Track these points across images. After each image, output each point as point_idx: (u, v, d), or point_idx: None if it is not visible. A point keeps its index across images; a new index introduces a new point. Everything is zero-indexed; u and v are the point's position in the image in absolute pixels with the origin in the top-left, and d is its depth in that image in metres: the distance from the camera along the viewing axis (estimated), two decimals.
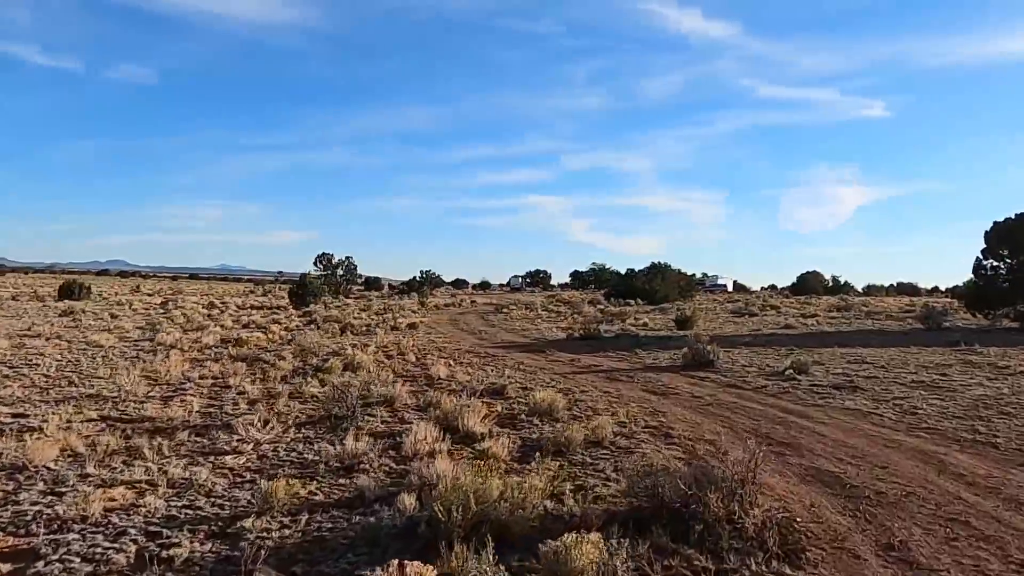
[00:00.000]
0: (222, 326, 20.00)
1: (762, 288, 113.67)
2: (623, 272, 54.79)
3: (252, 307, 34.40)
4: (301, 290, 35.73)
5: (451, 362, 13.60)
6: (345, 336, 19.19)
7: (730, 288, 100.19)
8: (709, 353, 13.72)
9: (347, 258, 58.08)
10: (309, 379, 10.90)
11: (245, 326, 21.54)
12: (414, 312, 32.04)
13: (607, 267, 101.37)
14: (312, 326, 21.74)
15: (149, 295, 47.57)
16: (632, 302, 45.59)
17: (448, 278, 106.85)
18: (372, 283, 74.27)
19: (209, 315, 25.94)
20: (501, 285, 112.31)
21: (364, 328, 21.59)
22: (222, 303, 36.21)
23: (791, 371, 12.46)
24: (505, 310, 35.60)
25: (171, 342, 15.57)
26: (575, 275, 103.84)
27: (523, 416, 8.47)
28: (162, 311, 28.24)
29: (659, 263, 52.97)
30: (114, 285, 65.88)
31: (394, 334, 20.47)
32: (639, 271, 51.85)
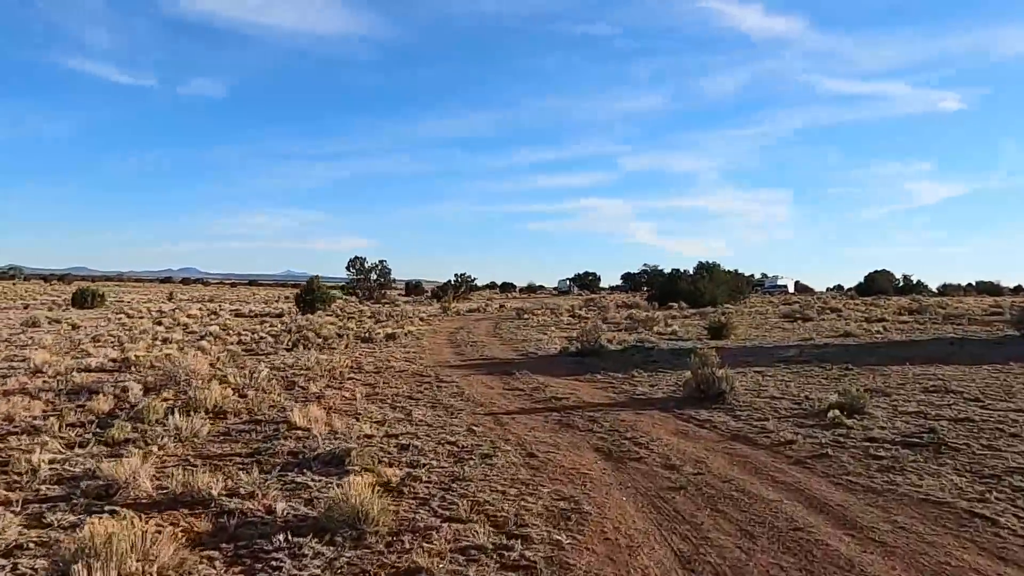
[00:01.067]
0: (156, 340, 16.75)
1: (827, 289, 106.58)
2: (668, 273, 50.04)
3: (254, 315, 31.49)
4: (308, 295, 32.70)
5: (356, 394, 9.86)
6: (296, 350, 15.71)
7: (791, 289, 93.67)
8: (720, 382, 9.56)
9: (381, 262, 55.47)
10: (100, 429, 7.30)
11: (201, 337, 18.31)
12: (421, 319, 28.50)
13: (659, 268, 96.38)
14: (286, 336, 18.35)
15: (172, 301, 45.59)
16: (674, 305, 41.05)
17: (499, 282, 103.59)
18: (414, 287, 71.43)
19: (177, 324, 22.94)
20: (553, 289, 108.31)
21: (332, 339, 18.06)
22: (220, 310, 33.50)
23: (838, 411, 8.24)
24: (527, 315, 31.71)
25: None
26: (627, 277, 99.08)
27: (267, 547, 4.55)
28: (130, 321, 25.48)
29: (707, 262, 48.08)
30: (152, 292, 64.78)
31: (359, 347, 16.90)
32: (684, 272, 47.13)
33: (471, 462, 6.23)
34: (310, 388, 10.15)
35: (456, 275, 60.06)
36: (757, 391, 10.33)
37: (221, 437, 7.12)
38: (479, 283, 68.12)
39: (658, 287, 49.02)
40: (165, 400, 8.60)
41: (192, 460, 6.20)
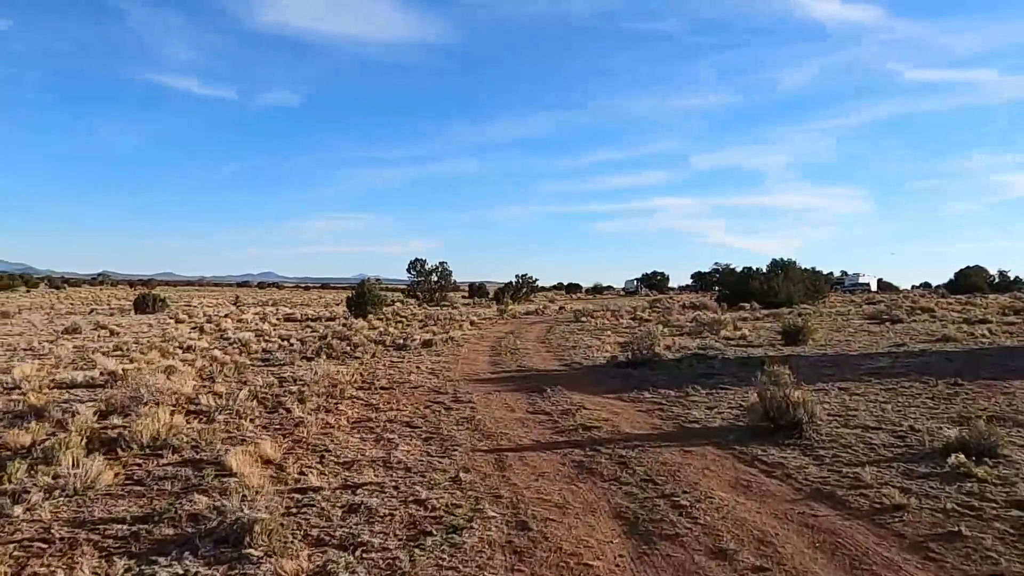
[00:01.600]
0: (176, 348, 15.55)
1: (912, 287, 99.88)
2: (740, 272, 46.80)
3: (305, 319, 30.51)
4: (360, 298, 31.51)
5: (344, 420, 8.11)
6: (317, 359, 14.21)
7: (874, 287, 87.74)
8: (795, 408, 7.36)
9: (441, 263, 54.22)
10: None
11: (229, 344, 17.10)
12: (472, 323, 26.81)
13: (731, 267, 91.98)
14: (322, 343, 16.96)
15: (236, 305, 45.52)
16: (746, 306, 38.05)
17: (565, 282, 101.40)
18: (477, 289, 70.08)
19: (218, 330, 21.93)
20: (621, 290, 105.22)
21: (362, 346, 16.52)
22: (272, 315, 32.70)
23: (960, 453, 5.98)
24: (584, 318, 29.58)
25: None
26: (697, 277, 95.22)
27: None
28: (175, 327, 24.71)
29: (781, 259, 44.67)
30: (222, 296, 65.63)
31: (387, 356, 15.29)
32: (757, 270, 43.88)
33: (430, 540, 4.34)
34: (294, 412, 8.49)
35: (517, 276, 58.33)
36: (844, 417, 8.07)
37: (126, 489, 5.47)
38: (545, 284, 66.20)
39: (728, 286, 45.91)
40: (104, 430, 7.08)
41: (54, 530, 4.55)
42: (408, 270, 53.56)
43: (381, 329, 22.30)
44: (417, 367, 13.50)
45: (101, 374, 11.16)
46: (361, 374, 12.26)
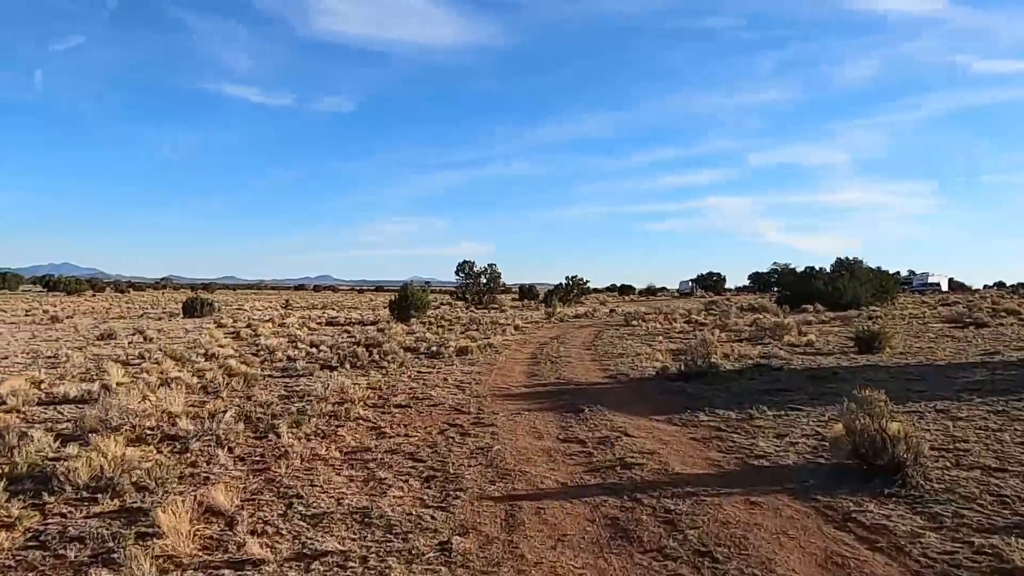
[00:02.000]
0: (180, 361, 14.58)
1: (985, 286, 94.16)
2: (801, 272, 44.06)
3: (348, 323, 29.64)
4: (403, 302, 30.49)
5: (338, 450, 6.78)
6: (340, 369, 13.04)
7: (944, 287, 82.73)
8: (895, 445, 5.70)
9: (490, 266, 53.08)
10: None
11: (254, 353, 16.14)
12: (516, 327, 25.41)
13: (791, 267, 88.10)
14: (348, 351, 15.86)
15: (286, 308, 45.26)
16: (809, 308, 35.59)
17: (618, 284, 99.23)
18: (527, 291, 68.74)
19: (253, 335, 21.09)
20: (675, 291, 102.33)
21: (392, 354, 15.31)
22: (316, 318, 31.96)
23: None
24: (635, 321, 27.86)
25: None
26: (755, 278, 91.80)
27: None
28: (212, 331, 24.02)
29: (847, 259, 41.87)
30: (275, 299, 65.96)
31: (417, 365, 14.02)
32: (820, 270, 41.21)
33: None
34: (283, 438, 7.23)
35: (567, 278, 56.65)
36: (953, 454, 6.36)
37: (18, 558, 4.24)
38: (598, 286, 64.36)
39: (789, 287, 43.32)
40: (56, 461, 5.93)
41: None
42: (456, 272, 52.60)
43: (419, 334, 21.12)
44: (445, 379, 12.17)
45: (101, 387, 10.17)
46: (380, 388, 10.99)
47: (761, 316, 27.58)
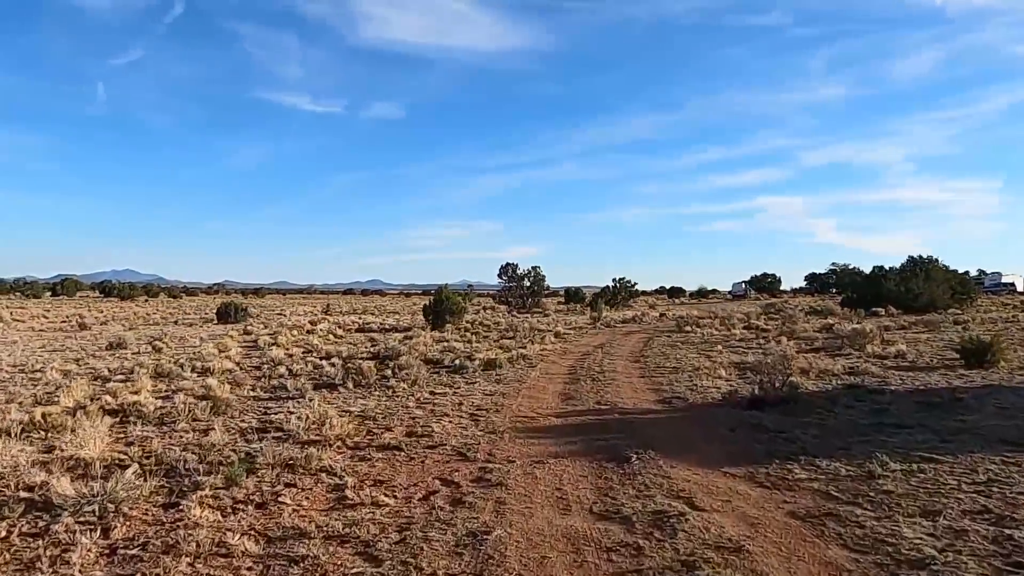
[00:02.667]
0: (166, 377, 12.64)
1: None
2: (868, 272, 40.24)
3: (380, 329, 27.66)
4: (438, 307, 28.35)
5: (256, 533, 4.55)
6: (343, 387, 10.88)
7: (1020, 287, 76.67)
8: None
9: (534, 268, 50.65)
10: None
11: (257, 367, 14.16)
12: (557, 335, 22.98)
13: (851, 268, 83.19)
14: (350, 365, 13.78)
15: (327, 313, 43.76)
16: (880, 311, 32.15)
17: (667, 286, 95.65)
18: (572, 294, 66.08)
19: (275, 344, 19.17)
20: (727, 293, 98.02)
21: (408, 368, 13.10)
22: (348, 324, 30.06)
23: None
24: (690, 327, 25.11)
25: None
26: (811, 278, 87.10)
27: None
28: (233, 339, 22.25)
29: (920, 257, 38.03)
30: (319, 304, 64.92)
31: (434, 383, 11.77)
32: (889, 269, 37.47)
33: None
34: (192, 508, 5.00)
35: (614, 280, 53.75)
36: None
37: None
38: (646, 288, 61.24)
39: (856, 288, 39.70)
40: None
41: None
42: (499, 275, 50.35)
43: (449, 342, 18.92)
44: (459, 403, 9.87)
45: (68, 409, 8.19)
46: (374, 417, 8.75)
47: (833, 321, 24.50)
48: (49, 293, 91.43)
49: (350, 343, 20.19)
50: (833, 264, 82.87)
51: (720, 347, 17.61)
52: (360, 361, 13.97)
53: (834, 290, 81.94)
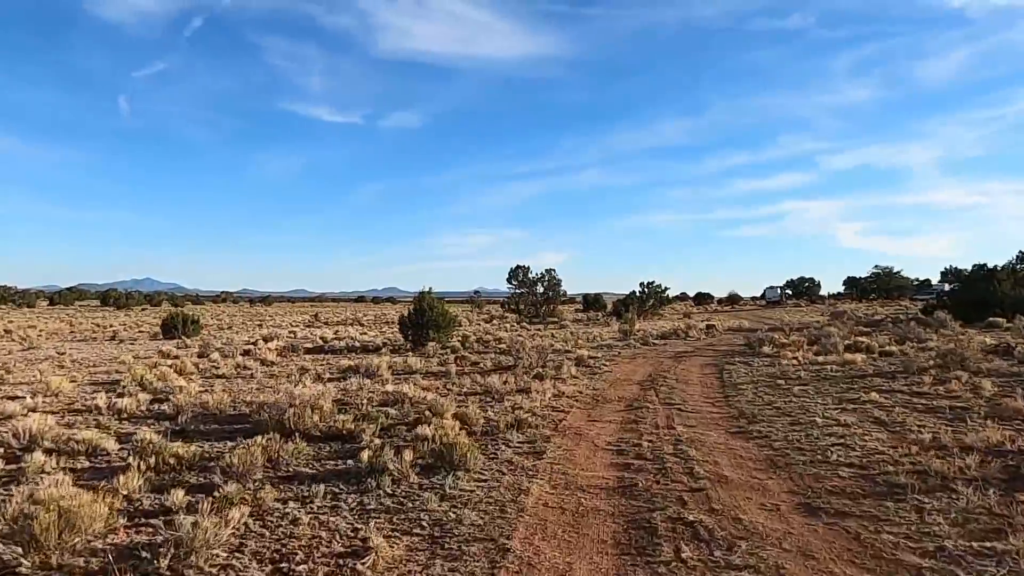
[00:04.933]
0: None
1: None
2: (967, 270, 31.75)
3: (349, 348, 20.02)
4: (419, 318, 20.61)
5: None
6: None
7: None
8: None
9: (548, 271, 42.79)
10: None
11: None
12: (580, 362, 15.23)
13: (895, 271, 74.32)
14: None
15: (313, 324, 36.32)
16: (1002, 320, 23.95)
17: (692, 292, 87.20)
18: (592, 301, 58.09)
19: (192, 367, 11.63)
20: (753, 298, 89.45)
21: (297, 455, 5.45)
22: (323, 337, 22.48)
23: None
24: (761, 346, 17.25)
25: None
26: (850, 283, 78.25)
27: None
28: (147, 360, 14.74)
29: None
30: (311, 312, 57.62)
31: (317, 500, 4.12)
32: (1001, 268, 29.12)
33: None
34: None
35: (642, 284, 45.60)
36: None
37: None
38: (671, 294, 52.80)
39: (953, 292, 31.43)
40: None
41: None
42: (508, 280, 42.55)
43: (410, 377, 11.27)
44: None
45: None
46: None
47: (1006, 338, 16.43)
48: (47, 302, 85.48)
49: (300, 364, 12.56)
50: (877, 267, 74.09)
51: (873, 396, 9.70)
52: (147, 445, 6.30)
53: (873, 295, 73.49)
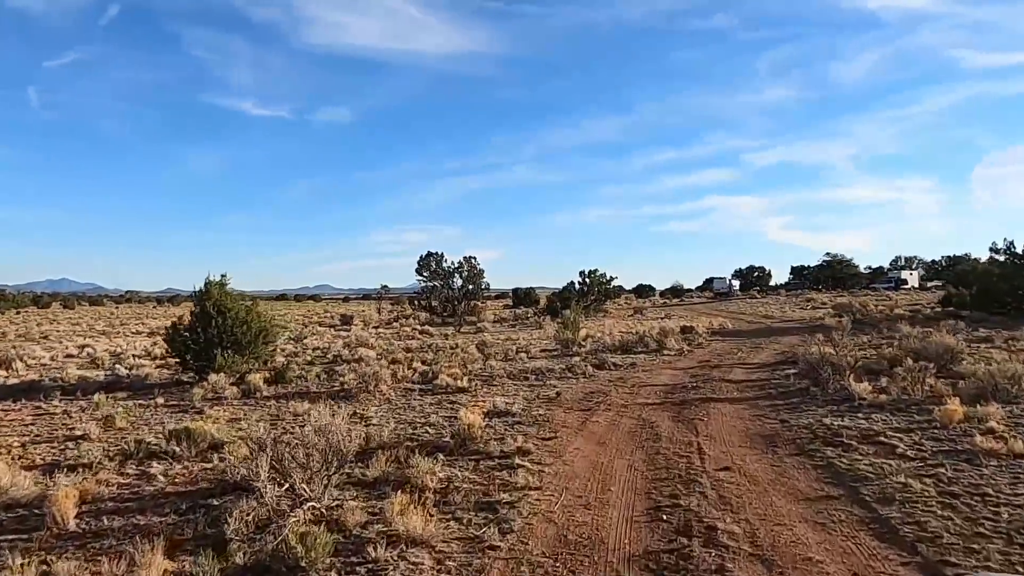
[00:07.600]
0: None
1: None
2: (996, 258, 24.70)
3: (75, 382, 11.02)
4: (200, 331, 11.71)
5: None
6: None
7: None
8: None
9: (468, 259, 33.86)
10: None
11: None
12: (493, 415, 6.85)
13: (847, 260, 68.94)
14: None
15: (113, 333, 26.65)
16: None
17: (630, 286, 79.75)
18: (523, 296, 49.80)
19: None
20: (700, 289, 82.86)
21: None
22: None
23: None
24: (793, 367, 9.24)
25: None
26: (798, 272, 72.54)
27: None
28: None
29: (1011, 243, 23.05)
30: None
31: None
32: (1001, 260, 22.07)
33: None
34: None
35: (583, 274, 37.28)
36: None
37: None
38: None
39: (968, 285, 24.52)
40: None
41: None
42: (417, 271, 33.46)
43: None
44: None
45: None
46: None
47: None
48: None
49: None
50: (828, 253, 68.38)
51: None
52: None
53: (820, 286, 68.20)
